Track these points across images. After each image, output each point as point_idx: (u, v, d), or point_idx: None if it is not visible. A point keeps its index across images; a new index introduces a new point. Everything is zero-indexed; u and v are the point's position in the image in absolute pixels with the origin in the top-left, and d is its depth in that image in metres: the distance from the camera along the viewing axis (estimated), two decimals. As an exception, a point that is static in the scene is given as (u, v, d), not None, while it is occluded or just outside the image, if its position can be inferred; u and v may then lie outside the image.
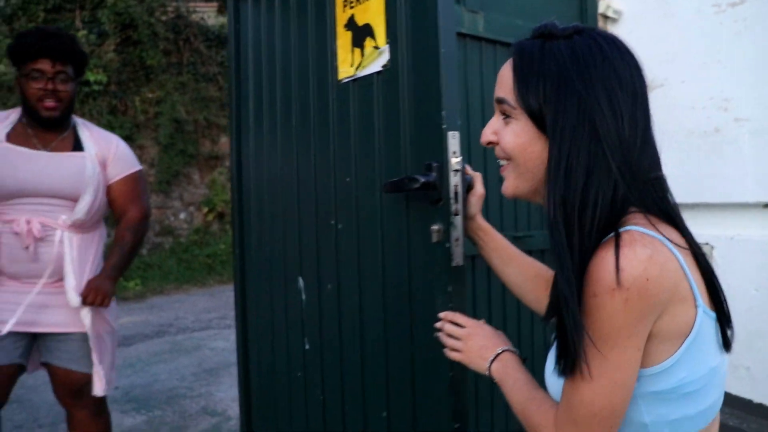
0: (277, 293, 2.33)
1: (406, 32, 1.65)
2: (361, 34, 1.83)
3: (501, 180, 1.09)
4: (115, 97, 8.81)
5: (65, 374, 2.37)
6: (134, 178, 2.52)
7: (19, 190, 2.25)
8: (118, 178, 2.46)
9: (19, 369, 2.38)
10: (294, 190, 2.20)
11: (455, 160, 1.46)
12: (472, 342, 1.22)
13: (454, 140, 1.48)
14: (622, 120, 0.94)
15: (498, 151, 1.06)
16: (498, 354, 1.16)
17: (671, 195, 1.00)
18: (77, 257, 2.34)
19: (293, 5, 2.18)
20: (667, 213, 0.97)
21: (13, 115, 2.38)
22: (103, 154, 2.42)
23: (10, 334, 2.28)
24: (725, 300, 0.97)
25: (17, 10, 8.30)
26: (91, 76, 8.33)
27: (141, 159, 8.95)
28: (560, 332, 0.94)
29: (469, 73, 2.08)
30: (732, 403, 3.00)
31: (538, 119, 0.98)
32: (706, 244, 3.13)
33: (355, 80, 1.86)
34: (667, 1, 3.41)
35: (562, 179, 0.93)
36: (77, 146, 2.39)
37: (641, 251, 0.87)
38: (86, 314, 2.31)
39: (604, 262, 0.87)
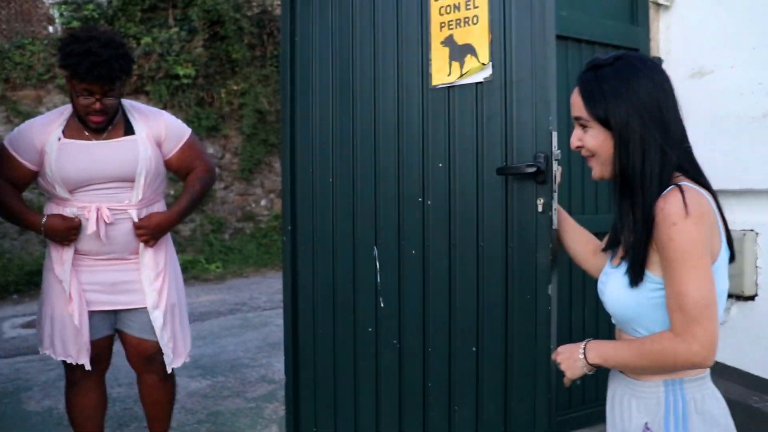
0: (342, 263, 2.68)
1: (510, 54, 2.19)
2: (460, 51, 2.31)
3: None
4: (202, 89, 9.18)
5: (138, 343, 2.59)
6: (189, 145, 2.64)
7: (82, 180, 2.41)
8: (174, 151, 2.61)
9: (111, 339, 2.62)
10: (370, 173, 2.58)
11: (556, 152, 2.01)
12: (563, 358, 1.49)
13: (555, 138, 2.03)
14: (659, 108, 1.35)
15: (584, 151, 1.51)
16: (583, 348, 1.44)
17: (696, 160, 1.41)
18: None
19: (379, 21, 2.56)
20: (698, 171, 1.39)
21: (66, 111, 2.50)
22: (155, 134, 2.55)
23: (97, 311, 2.51)
24: (731, 240, 1.39)
25: (117, 11, 8.72)
26: (180, 71, 8.75)
27: (225, 148, 9.19)
28: (632, 256, 1.35)
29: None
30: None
31: (605, 123, 1.39)
32: (752, 230, 3.12)
33: (451, 87, 2.34)
34: (718, -13, 3.34)
35: (625, 158, 1.36)
36: (129, 130, 2.51)
37: (695, 194, 1.29)
38: (151, 293, 2.53)
39: (674, 201, 1.27)
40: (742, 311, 3.16)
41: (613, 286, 1.44)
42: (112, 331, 2.61)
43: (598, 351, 1.42)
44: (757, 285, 3.10)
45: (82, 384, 2.62)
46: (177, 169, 2.68)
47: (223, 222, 9.48)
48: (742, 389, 3.10)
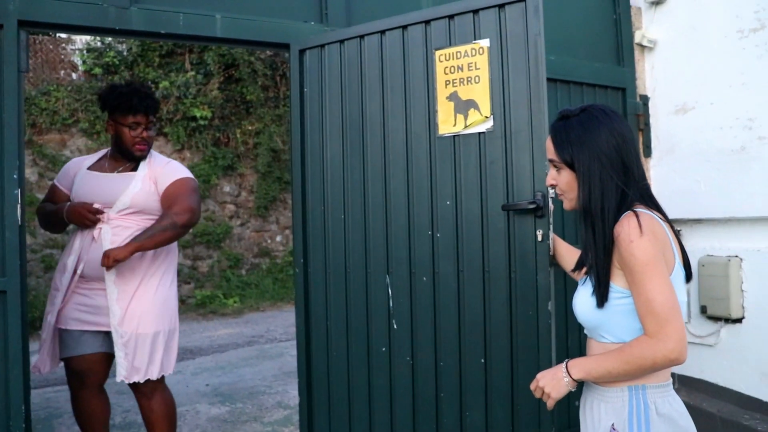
0: (355, 291, 2.94)
1: (509, 108, 2.54)
2: (464, 105, 2.66)
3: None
4: (218, 130, 9.57)
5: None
6: (180, 183, 2.99)
7: (88, 201, 2.91)
8: (166, 185, 2.99)
9: (107, 356, 2.94)
10: (381, 210, 2.87)
11: (552, 191, 2.29)
12: (545, 382, 1.62)
13: (549, 178, 2.35)
14: (618, 153, 1.58)
15: (558, 189, 1.72)
16: (565, 366, 1.60)
17: (653, 194, 1.64)
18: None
19: (387, 77, 2.88)
20: (655, 204, 1.61)
21: (101, 153, 3.16)
22: (154, 174, 3.01)
23: (85, 331, 2.88)
24: (688, 259, 1.63)
25: (137, 57, 9.16)
26: (197, 112, 9.12)
27: (241, 186, 9.47)
28: (597, 278, 1.56)
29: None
30: (763, 409, 3.19)
31: (572, 166, 1.64)
32: (736, 256, 3.35)
33: (456, 136, 2.68)
34: (695, 28, 3.63)
35: (587, 196, 1.60)
36: (136, 168, 3.03)
37: (647, 217, 1.51)
38: (114, 315, 2.83)
39: (630, 223, 1.49)
40: (731, 333, 3.38)
41: (581, 298, 1.67)
42: (102, 349, 2.91)
43: (581, 367, 1.58)
44: (743, 308, 3.33)
45: (79, 393, 2.96)
46: (162, 203, 2.99)
47: (240, 258, 9.74)
48: (733, 408, 3.29)
